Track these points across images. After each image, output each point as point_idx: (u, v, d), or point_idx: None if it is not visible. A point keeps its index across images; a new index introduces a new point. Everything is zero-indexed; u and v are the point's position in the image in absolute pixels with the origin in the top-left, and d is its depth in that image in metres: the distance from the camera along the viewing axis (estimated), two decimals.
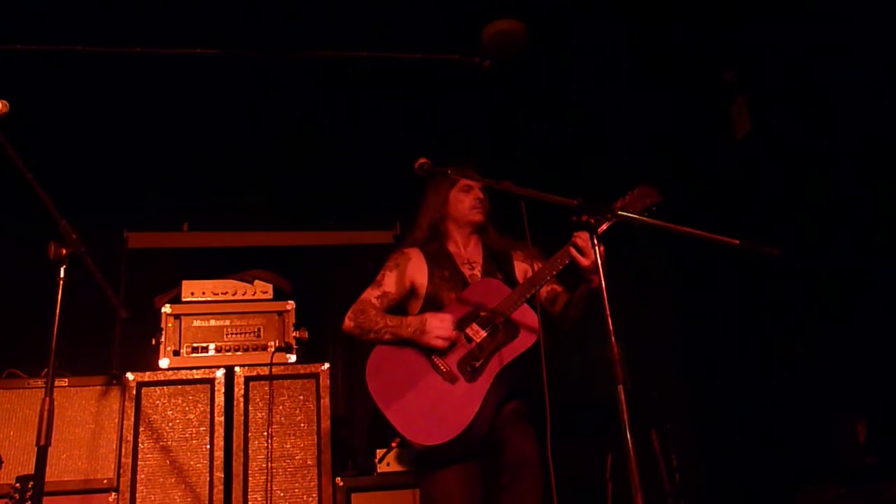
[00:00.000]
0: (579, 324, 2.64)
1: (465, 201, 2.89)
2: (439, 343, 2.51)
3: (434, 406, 2.42)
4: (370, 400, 2.48)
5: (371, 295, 2.75)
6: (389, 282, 2.78)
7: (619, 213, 2.25)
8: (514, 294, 2.56)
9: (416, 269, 2.80)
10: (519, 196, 2.33)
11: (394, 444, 2.55)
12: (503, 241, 2.92)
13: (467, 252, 2.88)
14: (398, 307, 2.79)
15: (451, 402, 2.42)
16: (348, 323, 2.69)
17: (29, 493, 2.38)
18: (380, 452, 3.23)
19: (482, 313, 2.58)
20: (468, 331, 2.56)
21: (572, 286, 2.65)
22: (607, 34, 3.98)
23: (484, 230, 2.94)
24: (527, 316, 2.54)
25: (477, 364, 2.47)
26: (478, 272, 2.81)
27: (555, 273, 2.52)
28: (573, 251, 2.44)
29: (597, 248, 2.06)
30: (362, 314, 2.66)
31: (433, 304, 2.71)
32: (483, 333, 2.53)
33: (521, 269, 2.85)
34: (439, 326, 2.52)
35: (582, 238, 2.43)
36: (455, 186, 2.91)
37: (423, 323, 2.55)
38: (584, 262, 2.42)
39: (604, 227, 2.36)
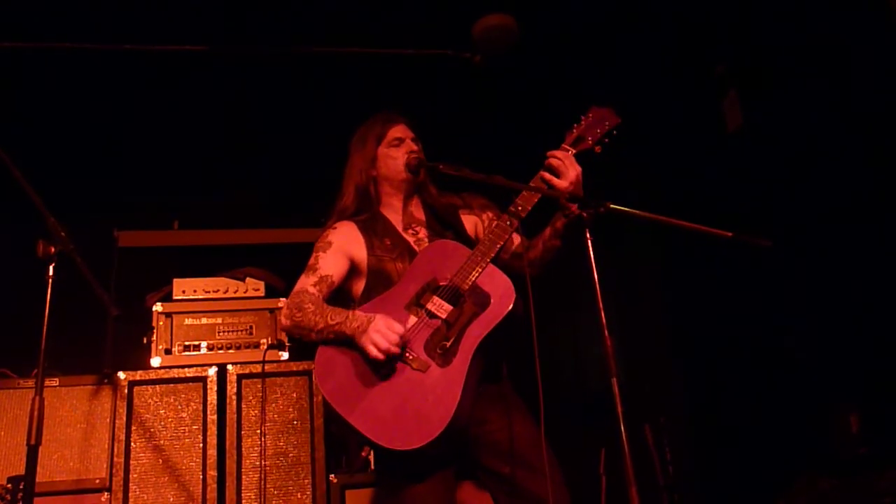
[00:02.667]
0: (549, 267, 2.30)
1: (398, 157, 2.48)
2: (371, 350, 2.06)
3: (406, 401, 2.03)
4: (327, 406, 2.12)
5: (307, 283, 2.30)
6: (325, 264, 2.34)
7: (612, 206, 2.00)
8: (477, 253, 2.19)
9: (352, 243, 2.39)
10: (510, 190, 2.25)
11: (363, 454, 2.18)
12: (446, 196, 2.55)
13: (407, 215, 2.48)
14: (340, 292, 2.40)
15: (426, 393, 2.03)
16: (285, 322, 2.27)
17: (20, 494, 2.36)
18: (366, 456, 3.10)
19: (441, 283, 2.19)
20: (429, 306, 2.16)
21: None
22: (599, 26, 3.99)
23: (423, 188, 2.53)
24: (496, 278, 2.15)
25: (448, 344, 2.08)
26: (423, 236, 2.43)
27: (524, 215, 2.20)
28: (546, 175, 2.16)
29: (588, 240, 1.95)
30: (300, 311, 2.22)
31: (379, 278, 2.33)
32: (448, 307, 2.13)
33: (471, 221, 2.51)
34: (381, 333, 2.07)
35: (556, 157, 2.18)
36: (383, 142, 2.52)
37: (368, 322, 2.10)
38: (561, 183, 2.13)
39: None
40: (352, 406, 2.06)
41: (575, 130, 2.33)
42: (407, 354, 2.11)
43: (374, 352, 2.07)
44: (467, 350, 2.07)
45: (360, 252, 2.38)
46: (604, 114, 2.32)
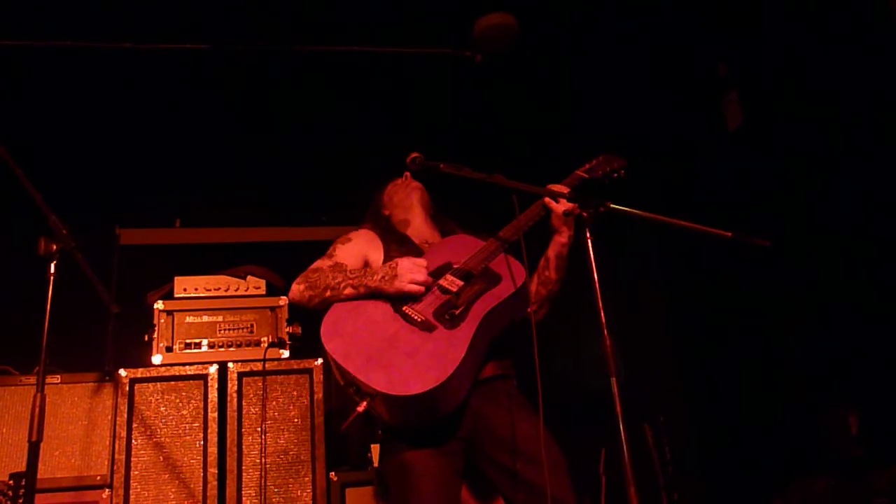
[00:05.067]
0: (549, 303, 2.46)
1: (398, 185, 2.77)
2: (413, 288, 2.20)
3: (409, 356, 2.06)
4: (331, 364, 2.12)
5: (322, 263, 2.45)
6: (342, 254, 2.50)
7: (612, 206, 2.02)
8: (489, 245, 2.36)
9: (371, 245, 2.55)
10: (510, 189, 2.26)
11: (359, 409, 2.05)
12: (465, 232, 2.71)
13: (424, 235, 2.65)
14: None
15: (431, 349, 2.07)
16: (297, 287, 2.37)
17: (22, 491, 2.37)
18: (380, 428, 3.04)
19: (455, 266, 2.33)
20: (442, 282, 2.27)
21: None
22: (600, 27, 3.99)
23: (436, 215, 2.77)
24: (509, 261, 2.31)
25: (457, 312, 2.17)
26: None
27: (531, 224, 2.36)
28: (547, 200, 2.35)
29: (588, 240, 1.96)
30: (315, 273, 2.36)
31: None
32: (460, 283, 2.25)
33: None
34: (413, 269, 2.22)
35: (557, 187, 2.37)
36: (385, 191, 2.80)
37: (393, 268, 2.24)
38: (558, 208, 2.33)
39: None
40: (354, 359, 2.08)
41: (587, 165, 2.58)
42: (416, 317, 2.18)
43: (416, 289, 2.21)
44: (475, 317, 2.15)
45: (377, 255, 2.51)
46: (613, 158, 2.59)
